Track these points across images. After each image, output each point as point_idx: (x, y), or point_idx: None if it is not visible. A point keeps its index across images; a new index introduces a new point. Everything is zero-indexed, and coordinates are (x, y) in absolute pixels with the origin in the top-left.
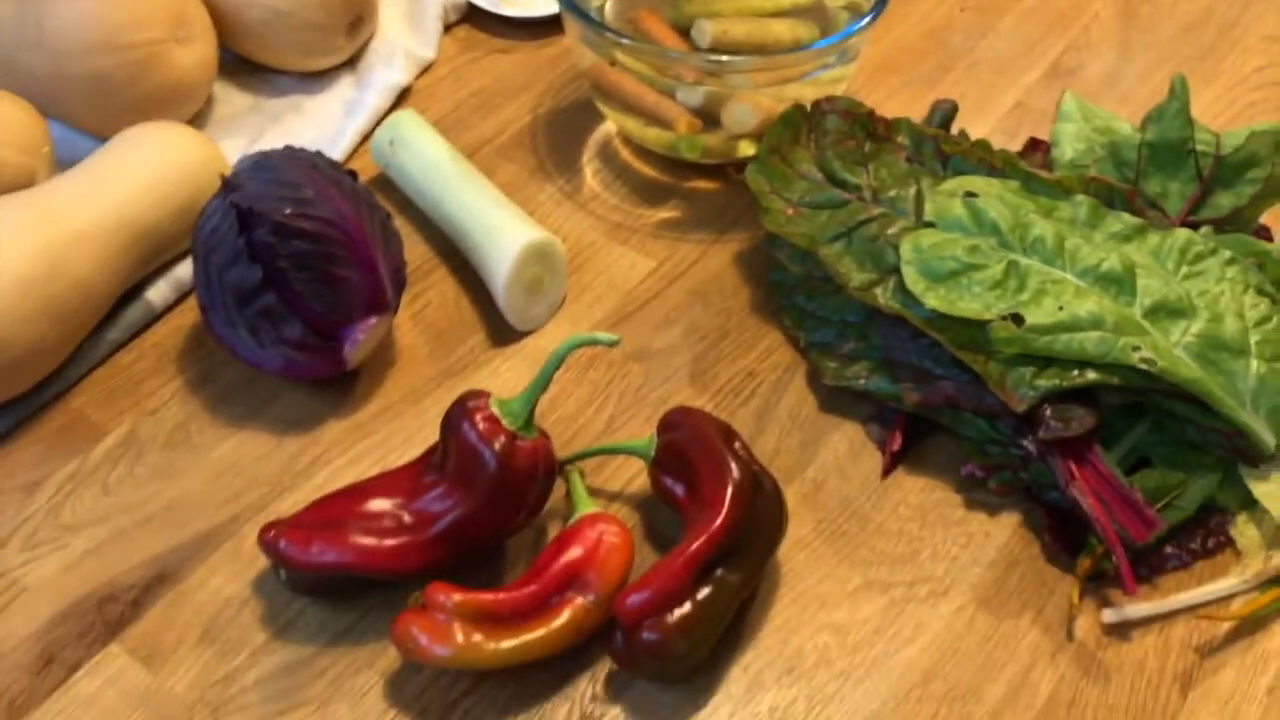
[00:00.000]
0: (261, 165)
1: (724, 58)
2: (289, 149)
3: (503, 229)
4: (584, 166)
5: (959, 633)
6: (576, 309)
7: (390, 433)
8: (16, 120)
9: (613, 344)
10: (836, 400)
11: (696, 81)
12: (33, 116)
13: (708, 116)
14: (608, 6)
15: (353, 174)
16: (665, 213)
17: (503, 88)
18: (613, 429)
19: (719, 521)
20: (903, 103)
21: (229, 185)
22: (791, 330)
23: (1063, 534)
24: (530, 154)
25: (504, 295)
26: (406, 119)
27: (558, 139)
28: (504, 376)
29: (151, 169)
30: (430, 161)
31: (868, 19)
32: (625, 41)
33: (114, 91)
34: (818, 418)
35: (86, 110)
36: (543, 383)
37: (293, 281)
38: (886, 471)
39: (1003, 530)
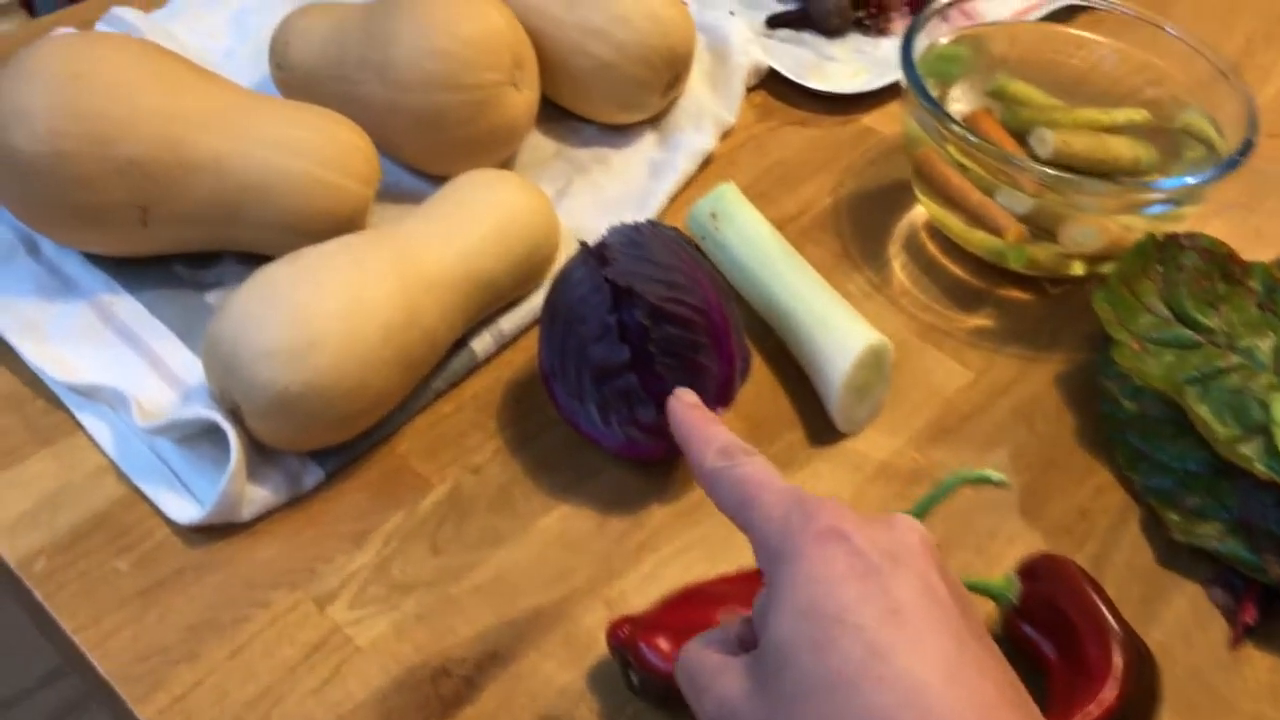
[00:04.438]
0: (633, 241)
1: (1081, 179)
2: (652, 224)
3: (841, 326)
4: (891, 259)
5: None
6: (896, 416)
7: (715, 525)
8: (358, 149)
9: (1002, 484)
10: (1175, 554)
11: (1035, 194)
12: (371, 147)
13: (1031, 225)
14: (947, 99)
15: (699, 250)
16: (979, 319)
17: (803, 162)
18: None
19: (1111, 698)
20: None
21: (602, 257)
22: (1124, 470)
23: None
24: (835, 238)
25: (837, 397)
26: (729, 192)
27: (862, 225)
28: (825, 480)
29: (496, 220)
30: (755, 240)
31: (1238, 160)
32: (972, 139)
33: (446, 129)
34: (1157, 572)
35: (413, 144)
36: (918, 515)
37: (658, 366)
38: (1235, 642)
39: None
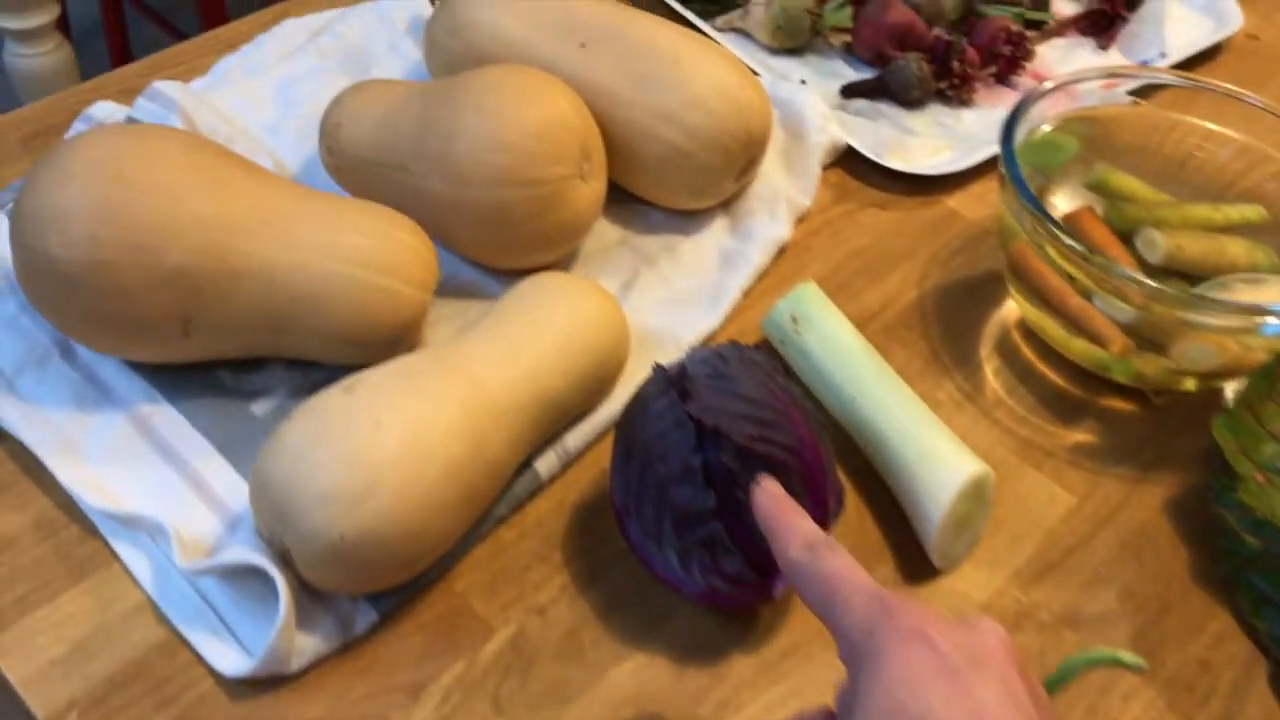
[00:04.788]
0: (719, 372)
1: (1192, 296)
2: (737, 348)
3: (939, 455)
4: (983, 362)
5: None
6: (996, 548)
7: (803, 679)
8: (416, 253)
9: (1138, 669)
10: None
11: (1142, 306)
12: (429, 248)
13: (1137, 335)
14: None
15: (787, 370)
16: (1080, 435)
17: (884, 250)
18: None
19: None
20: None
21: (683, 390)
22: (1248, 617)
23: None
24: (921, 339)
25: (935, 532)
26: (810, 293)
27: (950, 324)
28: None
29: (562, 335)
30: (839, 348)
31: None
32: (1077, 247)
33: (510, 224)
34: None
35: (474, 238)
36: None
37: (746, 513)
38: None
39: None
